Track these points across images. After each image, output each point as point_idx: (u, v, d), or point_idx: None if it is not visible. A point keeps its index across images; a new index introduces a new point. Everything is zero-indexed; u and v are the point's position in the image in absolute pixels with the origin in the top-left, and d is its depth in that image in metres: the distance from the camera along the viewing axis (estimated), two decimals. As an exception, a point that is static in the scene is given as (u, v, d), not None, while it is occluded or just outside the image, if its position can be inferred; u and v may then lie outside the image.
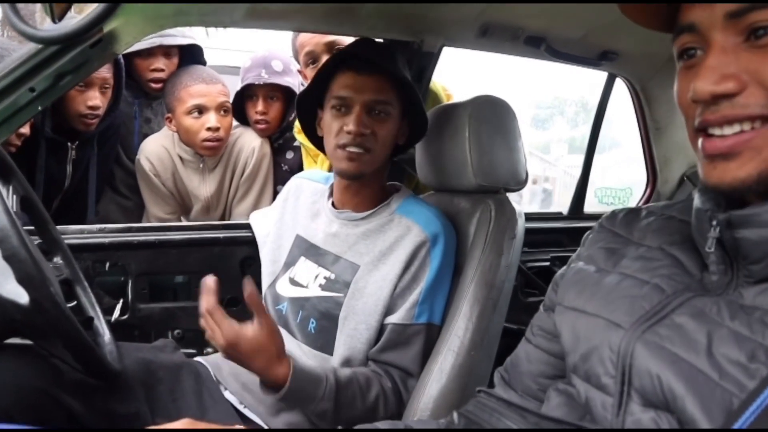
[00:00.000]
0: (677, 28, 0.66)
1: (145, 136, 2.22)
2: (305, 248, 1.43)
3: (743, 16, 0.59)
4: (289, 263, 1.45)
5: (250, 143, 2.17)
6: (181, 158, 2.14)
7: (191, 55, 2.20)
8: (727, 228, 0.63)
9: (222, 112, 2.05)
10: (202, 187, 2.17)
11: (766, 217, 0.60)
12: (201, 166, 2.14)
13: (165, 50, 2.11)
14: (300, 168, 2.17)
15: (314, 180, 1.55)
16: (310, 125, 1.44)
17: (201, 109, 2.02)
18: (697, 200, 0.70)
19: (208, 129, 2.02)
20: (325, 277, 1.35)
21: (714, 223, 0.64)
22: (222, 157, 2.15)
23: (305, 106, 1.43)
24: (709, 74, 0.60)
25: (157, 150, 2.13)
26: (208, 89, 2.03)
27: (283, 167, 2.24)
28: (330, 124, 1.32)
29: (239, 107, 2.17)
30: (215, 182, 2.17)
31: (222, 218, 2.24)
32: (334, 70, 1.33)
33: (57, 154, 1.96)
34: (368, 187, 1.38)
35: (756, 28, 0.59)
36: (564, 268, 0.90)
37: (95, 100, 1.89)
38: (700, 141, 0.64)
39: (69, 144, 1.96)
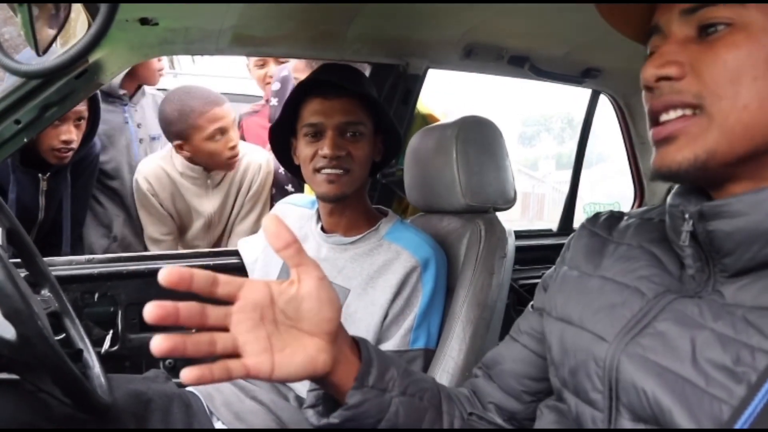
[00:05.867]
0: (648, 33, 0.70)
1: (141, 141, 2.26)
2: (294, 274, 1.42)
3: (695, 12, 0.62)
4: None
5: (256, 160, 2.21)
6: (183, 176, 2.15)
7: None
8: (699, 220, 0.63)
9: (233, 129, 2.11)
10: (206, 203, 2.18)
11: (737, 207, 0.60)
12: (208, 182, 2.17)
13: None
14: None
15: (299, 205, 1.55)
16: (285, 155, 1.44)
17: (223, 131, 2.06)
18: (669, 198, 0.70)
19: (231, 147, 2.07)
20: (316, 303, 1.34)
21: (686, 216, 0.65)
22: (226, 173, 2.19)
23: (278, 137, 1.43)
24: (657, 59, 0.64)
25: (155, 170, 2.14)
26: (224, 111, 2.06)
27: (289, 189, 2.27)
28: (304, 151, 1.32)
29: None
30: (219, 198, 2.19)
31: (221, 236, 2.25)
32: (303, 99, 1.33)
33: (28, 186, 1.93)
34: (352, 208, 1.37)
35: (706, 25, 0.62)
36: (551, 269, 0.89)
37: (69, 134, 1.86)
38: (650, 132, 0.66)
39: (40, 175, 1.93)
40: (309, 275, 0.67)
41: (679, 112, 0.62)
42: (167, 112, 2.07)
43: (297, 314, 0.66)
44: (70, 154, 1.91)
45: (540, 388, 0.87)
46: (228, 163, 2.11)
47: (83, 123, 1.93)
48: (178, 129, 2.05)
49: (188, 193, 2.17)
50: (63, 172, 1.99)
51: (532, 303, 0.93)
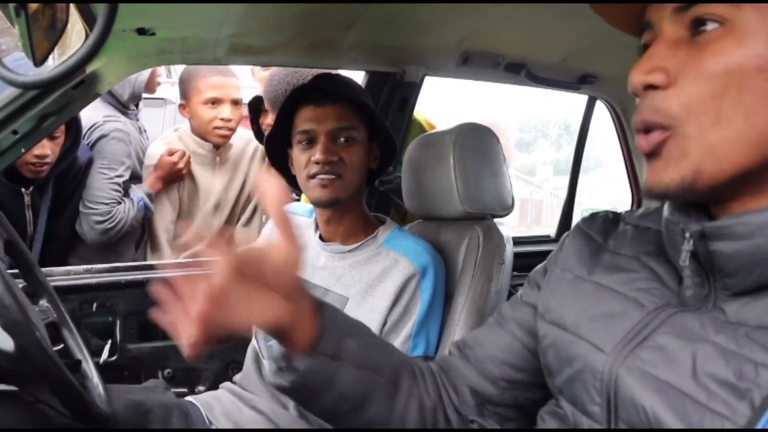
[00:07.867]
0: (641, 27, 0.67)
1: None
2: (293, 282, 1.41)
3: (687, 10, 0.59)
4: None
5: (250, 137, 2.30)
6: (193, 155, 2.19)
7: None
8: (700, 240, 0.61)
9: (235, 105, 2.17)
10: (214, 182, 2.24)
11: (739, 229, 0.58)
12: (217, 159, 2.23)
13: None
14: None
15: (297, 213, 1.54)
16: (283, 166, 1.45)
17: (216, 101, 2.12)
18: (666, 211, 0.68)
19: (222, 119, 2.13)
20: (314, 311, 1.34)
21: (687, 235, 0.62)
22: (230, 152, 2.26)
23: (275, 147, 1.43)
24: (645, 63, 0.61)
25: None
26: (225, 81, 2.14)
27: None
28: (299, 158, 1.33)
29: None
30: (226, 177, 2.26)
31: (229, 221, 2.31)
32: (296, 108, 1.34)
33: (13, 199, 1.91)
34: (349, 215, 1.37)
35: (698, 22, 0.58)
36: (541, 265, 0.88)
37: (42, 149, 1.83)
38: (637, 140, 0.64)
39: (23, 190, 1.92)
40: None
41: (657, 132, 0.60)
42: (183, 73, 2.19)
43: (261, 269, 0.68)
44: (46, 168, 1.89)
45: (519, 378, 0.85)
46: (215, 133, 2.16)
47: (61, 137, 1.90)
48: (183, 88, 2.17)
49: (197, 173, 2.21)
50: (46, 186, 1.98)
51: (520, 293, 0.90)
